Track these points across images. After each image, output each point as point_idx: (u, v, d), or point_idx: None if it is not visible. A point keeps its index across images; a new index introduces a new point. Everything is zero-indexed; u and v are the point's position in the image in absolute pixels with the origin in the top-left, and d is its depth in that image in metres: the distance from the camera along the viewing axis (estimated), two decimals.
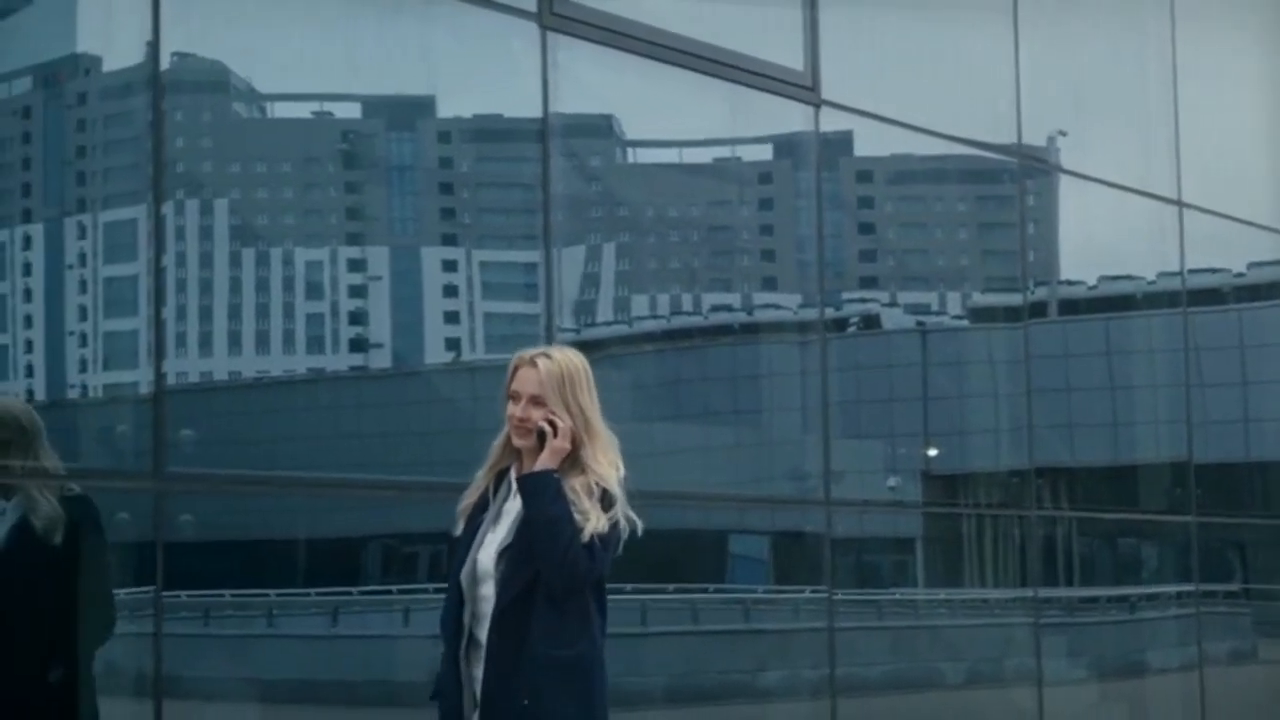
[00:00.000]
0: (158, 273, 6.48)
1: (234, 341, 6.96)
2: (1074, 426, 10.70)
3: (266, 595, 6.92)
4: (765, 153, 9.27)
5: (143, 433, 6.33)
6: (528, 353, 4.87)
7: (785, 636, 8.93)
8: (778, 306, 9.27)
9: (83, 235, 6.59)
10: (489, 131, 8.02)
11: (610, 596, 7.95)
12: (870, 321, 9.68)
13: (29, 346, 6.44)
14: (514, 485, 4.83)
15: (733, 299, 9.16)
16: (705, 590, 8.69)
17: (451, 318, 7.75)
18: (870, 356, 9.69)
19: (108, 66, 6.74)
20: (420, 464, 7.30)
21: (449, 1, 7.48)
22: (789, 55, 8.77)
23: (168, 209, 6.56)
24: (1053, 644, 10.19)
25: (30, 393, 6.45)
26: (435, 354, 7.80)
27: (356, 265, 7.46)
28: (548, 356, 4.84)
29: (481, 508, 4.82)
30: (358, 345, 7.46)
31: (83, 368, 6.58)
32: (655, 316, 8.70)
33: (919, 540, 9.92)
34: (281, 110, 7.45)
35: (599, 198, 8.53)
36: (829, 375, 8.95)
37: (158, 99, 6.47)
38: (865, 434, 9.45)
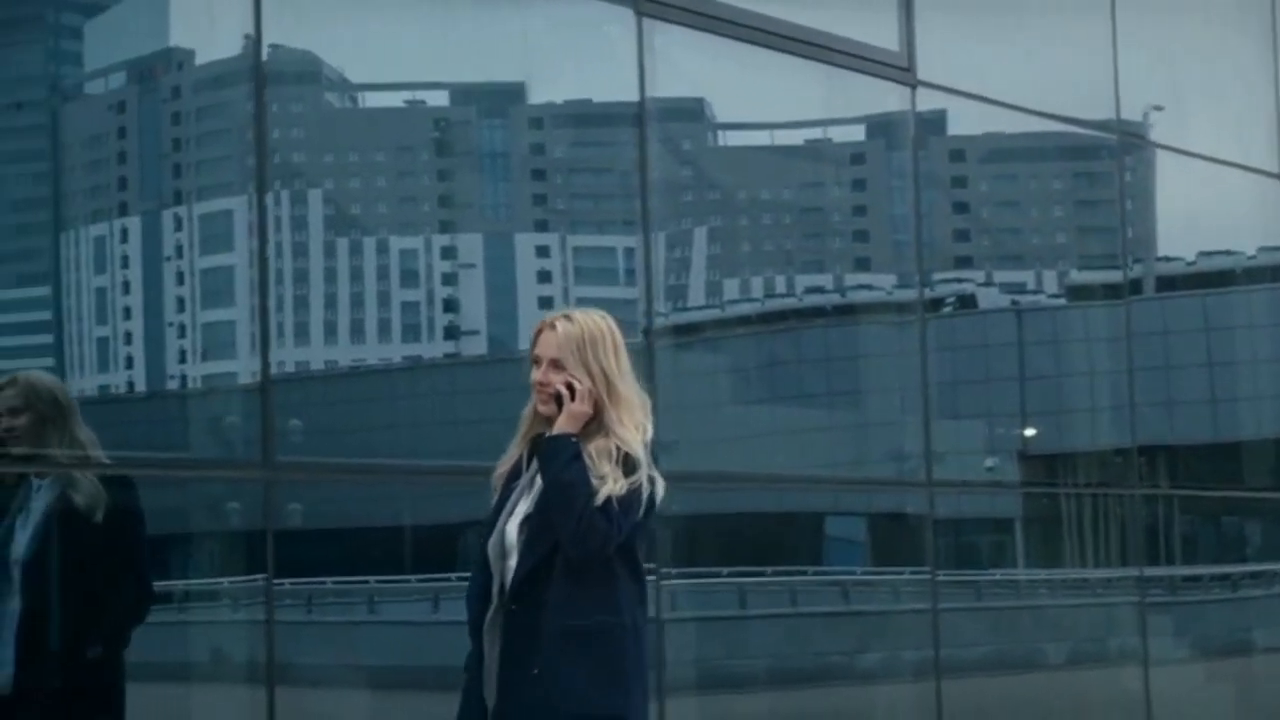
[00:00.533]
0: (263, 263, 6.48)
1: (330, 331, 6.98)
2: (1174, 404, 10.60)
3: (367, 582, 6.94)
4: (858, 134, 9.23)
5: (250, 422, 6.33)
6: (550, 316, 4.71)
7: (888, 618, 8.89)
8: (871, 287, 9.21)
9: (179, 227, 6.62)
10: (582, 117, 8.01)
11: (708, 580, 8.03)
12: (966, 301, 9.61)
13: (128, 338, 6.48)
14: None
15: (827, 280, 9.12)
16: (804, 573, 8.66)
17: (545, 303, 7.74)
18: (967, 336, 9.62)
19: (201, 59, 6.77)
20: None
21: None
22: (884, 36, 8.73)
23: (267, 200, 6.58)
24: (1157, 623, 10.10)
25: (131, 384, 6.49)
26: (530, 340, 7.79)
27: (450, 253, 7.47)
28: (568, 319, 4.66)
29: (515, 476, 4.68)
30: (452, 333, 7.47)
31: (182, 359, 6.62)
32: (749, 299, 8.67)
33: (1018, 521, 9.85)
34: (377, 100, 7.46)
35: (694, 181, 8.50)
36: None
37: (260, 90, 6.48)
38: (962, 414, 9.39)
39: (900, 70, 8.80)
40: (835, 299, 9.07)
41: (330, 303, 6.95)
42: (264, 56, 6.54)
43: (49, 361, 6.33)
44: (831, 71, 8.47)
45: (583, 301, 7.84)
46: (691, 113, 8.36)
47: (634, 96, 7.66)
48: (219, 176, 6.80)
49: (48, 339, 6.38)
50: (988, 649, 9.34)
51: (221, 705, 6.25)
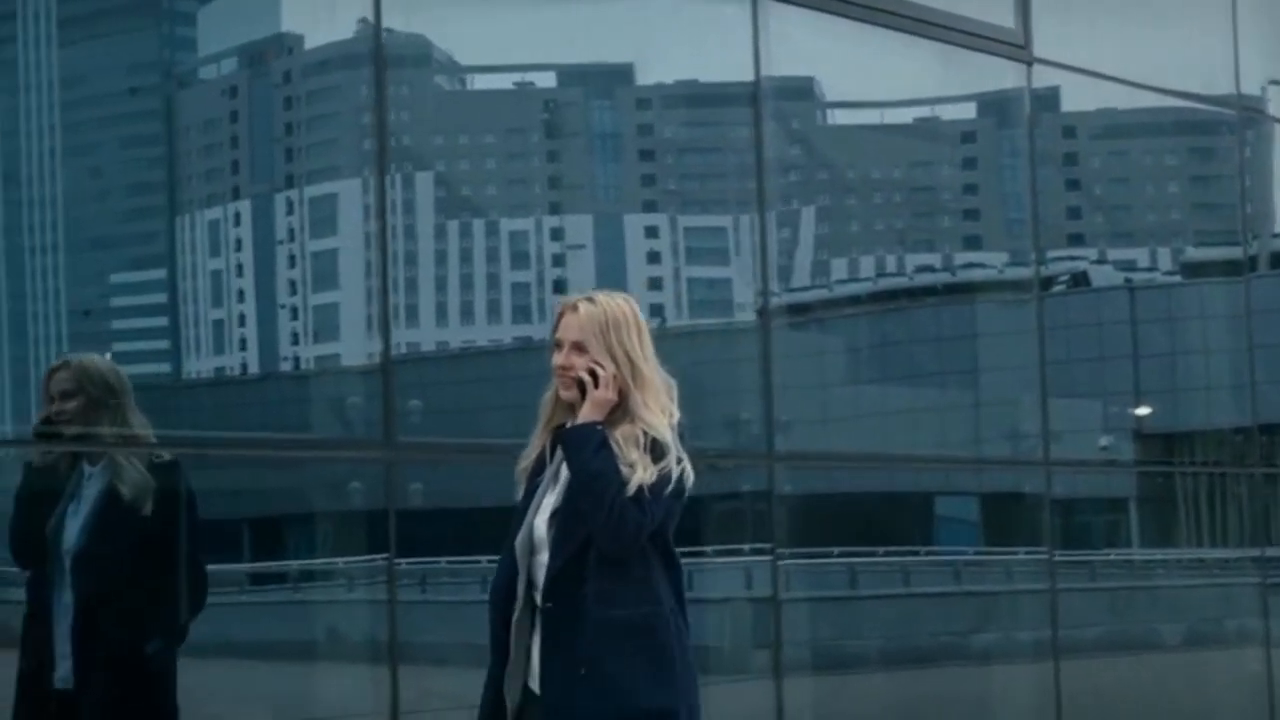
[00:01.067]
0: (384, 245, 6.49)
1: (441, 313, 7.00)
2: None
3: (479, 562, 6.96)
4: (969, 111, 9.17)
5: (371, 403, 6.34)
6: (571, 298, 4.48)
7: (1006, 598, 8.84)
8: (983, 266, 9.15)
9: (290, 211, 6.66)
10: (691, 97, 7.99)
11: (820, 560, 8.00)
12: (1079, 279, 9.52)
13: (242, 320, 6.53)
14: None
15: (938, 259, 9.06)
16: (916, 553, 8.62)
17: (655, 284, 7.73)
18: (1080, 315, 9.54)
19: (311, 43, 6.81)
20: None
21: None
22: (1000, 13, 8.66)
23: (376, 183, 6.61)
24: (1278, 605, 9.98)
25: (244, 366, 6.54)
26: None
27: (560, 234, 7.48)
28: (590, 300, 4.43)
29: (540, 469, 4.49)
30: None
31: (294, 341, 6.66)
32: (861, 279, 8.64)
33: (1133, 500, 9.76)
34: (486, 82, 7.48)
35: (806, 161, 8.47)
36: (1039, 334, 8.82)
37: (381, 74, 6.48)
38: (1075, 393, 9.30)
39: (1016, 48, 8.73)
40: (947, 278, 9.01)
41: (441, 285, 6.96)
42: (378, 41, 6.55)
43: (164, 344, 6.40)
44: (949, 50, 8.41)
45: (694, 282, 7.84)
46: (803, 92, 8.32)
47: (743, 76, 7.63)
48: (331, 160, 6.84)
49: (163, 322, 6.44)
50: (1104, 630, 9.26)
51: (345, 684, 6.28)
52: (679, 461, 4.36)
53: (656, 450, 4.33)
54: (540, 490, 4.44)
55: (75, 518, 5.23)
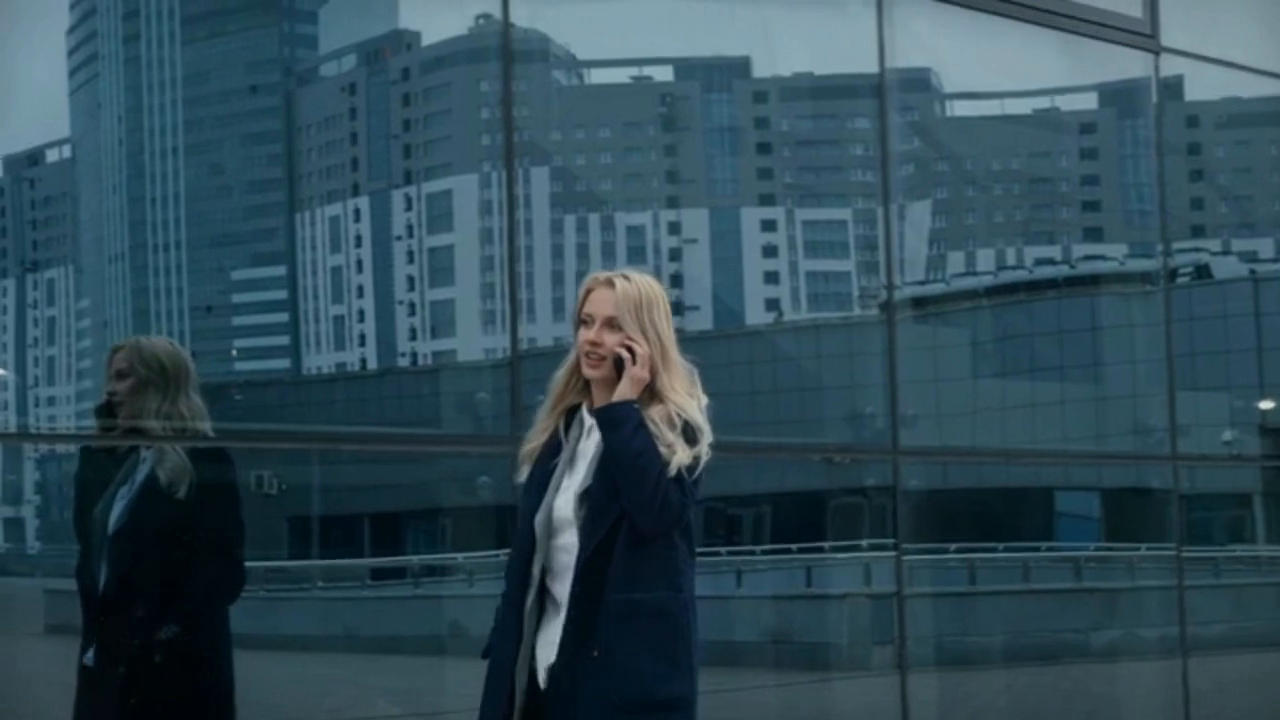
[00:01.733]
0: (512, 240, 6.47)
1: (558, 307, 7.00)
2: None
3: None
4: (1091, 101, 9.07)
5: (498, 397, 6.33)
6: (602, 274, 4.33)
7: (1130, 594, 8.75)
8: (1104, 258, 9.05)
9: (409, 207, 6.69)
10: (809, 90, 7.96)
11: (941, 555, 7.95)
12: (1201, 271, 9.39)
13: (361, 316, 6.56)
14: (587, 422, 4.33)
15: (1064, 251, 8.97)
16: (1038, 548, 8.55)
17: (771, 278, 7.70)
18: (1203, 307, 9.40)
19: (429, 40, 6.84)
20: (742, 425, 7.25)
21: None
22: (1126, 2, 8.55)
23: (494, 178, 6.61)
24: None
25: (363, 361, 6.57)
26: (756, 314, 7.76)
27: (675, 228, 7.47)
28: (625, 278, 4.29)
29: (553, 450, 4.33)
30: (677, 308, 7.43)
31: (412, 336, 6.68)
32: (978, 272, 8.56)
33: (1257, 495, 9.62)
34: (603, 76, 7.48)
35: (927, 153, 8.40)
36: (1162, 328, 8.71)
37: (507, 69, 6.47)
38: (1198, 386, 9.18)
39: (1144, 37, 8.62)
40: (1067, 270, 8.93)
41: (558, 280, 6.96)
42: (506, 37, 6.54)
43: (285, 340, 6.44)
44: (1066, 40, 8.32)
45: (812, 275, 7.81)
46: (923, 83, 8.25)
47: (866, 68, 7.58)
48: (449, 156, 6.86)
49: (283, 317, 6.49)
50: (1230, 627, 9.14)
51: (473, 678, 6.28)
52: (711, 448, 4.26)
53: (689, 433, 4.22)
54: (557, 471, 4.31)
55: (123, 500, 5.17)
